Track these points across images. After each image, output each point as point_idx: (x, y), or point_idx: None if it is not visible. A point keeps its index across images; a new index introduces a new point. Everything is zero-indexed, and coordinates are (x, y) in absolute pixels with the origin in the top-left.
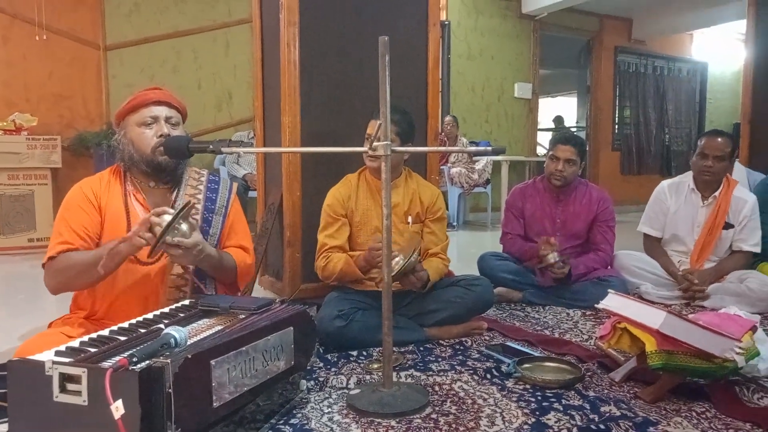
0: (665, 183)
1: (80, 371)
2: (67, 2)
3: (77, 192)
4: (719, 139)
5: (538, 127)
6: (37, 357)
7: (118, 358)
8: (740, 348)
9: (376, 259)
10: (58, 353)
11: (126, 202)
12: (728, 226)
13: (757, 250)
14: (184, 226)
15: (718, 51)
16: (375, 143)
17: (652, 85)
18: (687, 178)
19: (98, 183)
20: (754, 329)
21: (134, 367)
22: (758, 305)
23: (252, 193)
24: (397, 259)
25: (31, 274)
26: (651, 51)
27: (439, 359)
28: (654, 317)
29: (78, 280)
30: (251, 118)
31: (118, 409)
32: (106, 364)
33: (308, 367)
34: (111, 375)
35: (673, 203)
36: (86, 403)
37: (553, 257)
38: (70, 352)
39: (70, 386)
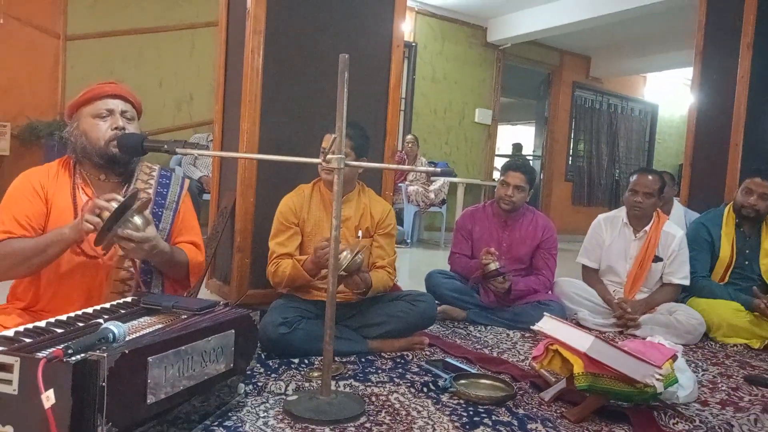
0: (601, 217)
1: (13, 360)
2: None
3: (23, 181)
4: (649, 177)
5: (497, 152)
6: None
7: (53, 349)
8: (660, 375)
9: (323, 258)
10: None
11: (74, 194)
12: (657, 259)
13: (686, 283)
14: (138, 220)
15: (668, 95)
16: (329, 156)
17: (605, 121)
18: (621, 213)
19: (46, 174)
20: (674, 358)
21: (69, 359)
22: (685, 337)
23: (206, 196)
24: (344, 253)
25: None
26: (606, 89)
27: (379, 371)
28: (582, 341)
29: (18, 268)
30: (211, 121)
31: (48, 398)
32: (40, 354)
33: (248, 372)
34: (44, 365)
35: (608, 236)
36: (16, 392)
37: (494, 265)
38: (4, 341)
39: (2, 375)
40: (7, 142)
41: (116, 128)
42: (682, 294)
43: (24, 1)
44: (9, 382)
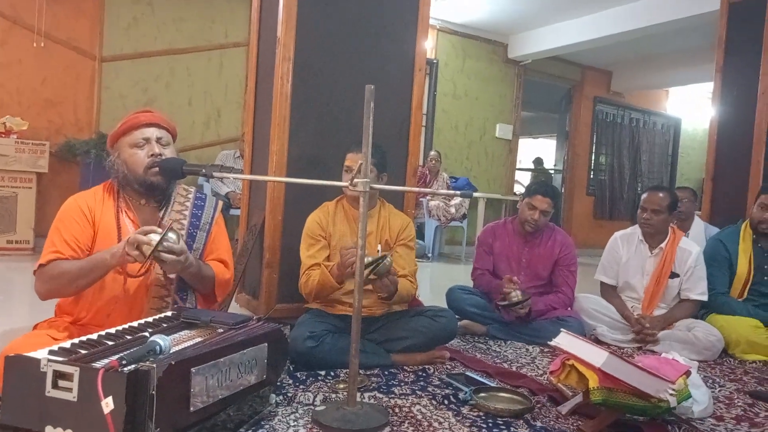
0: (618, 234)
1: (73, 369)
2: (68, 12)
3: (72, 205)
4: (659, 194)
5: (517, 166)
6: (32, 354)
7: (108, 360)
8: (673, 390)
9: (348, 258)
10: (51, 352)
11: (118, 217)
12: (674, 275)
13: (704, 298)
14: (172, 235)
15: (691, 108)
16: (356, 180)
17: (627, 135)
18: (637, 230)
19: (92, 198)
20: (687, 373)
21: (123, 369)
22: (703, 353)
23: (233, 211)
24: (368, 259)
25: (6, 275)
26: (628, 103)
27: (402, 383)
28: (597, 356)
29: (66, 288)
30: (237, 138)
31: (108, 405)
32: (97, 364)
33: (278, 383)
34: (103, 374)
35: (625, 253)
36: (75, 399)
37: (515, 295)
38: (63, 352)
39: (62, 383)
40: (46, 160)
41: (152, 155)
42: (702, 310)
43: (63, 24)
44: (69, 389)
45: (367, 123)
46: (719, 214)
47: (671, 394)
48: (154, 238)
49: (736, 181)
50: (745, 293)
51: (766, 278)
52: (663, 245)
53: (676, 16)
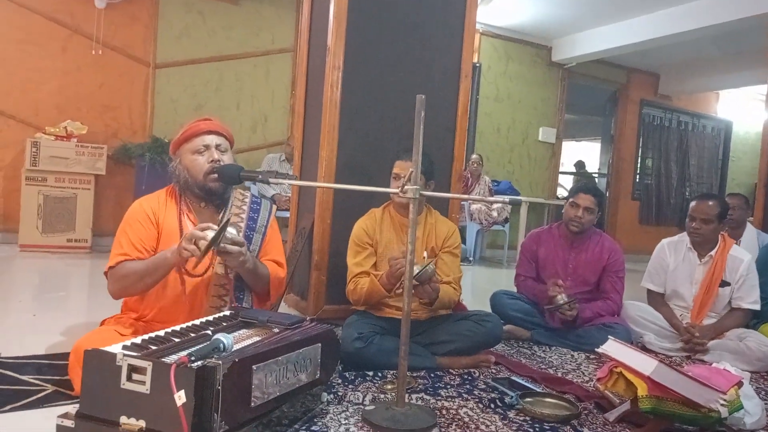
0: (665, 241)
1: (146, 364)
2: (124, 20)
3: (138, 208)
4: (709, 203)
5: (560, 170)
6: (108, 349)
7: (177, 356)
8: (724, 400)
9: (397, 268)
10: (125, 347)
11: (180, 219)
12: (725, 284)
13: (756, 307)
14: (232, 230)
15: (743, 111)
16: (406, 187)
17: (675, 138)
18: (685, 238)
19: (156, 201)
20: (739, 384)
21: (192, 365)
22: (756, 364)
23: (279, 213)
24: (415, 267)
25: (66, 272)
26: (676, 106)
27: (448, 386)
28: (647, 364)
29: (135, 286)
30: (283, 141)
31: (180, 398)
32: (168, 359)
33: (329, 382)
34: (175, 369)
35: (672, 261)
36: (148, 392)
37: (561, 298)
38: (134, 347)
39: (136, 376)
40: (103, 163)
41: (212, 161)
42: (754, 320)
43: (119, 31)
44: (143, 383)
45: (417, 132)
46: None
47: (722, 405)
48: (209, 234)
49: None
50: None
51: None
52: (713, 253)
53: (727, 19)
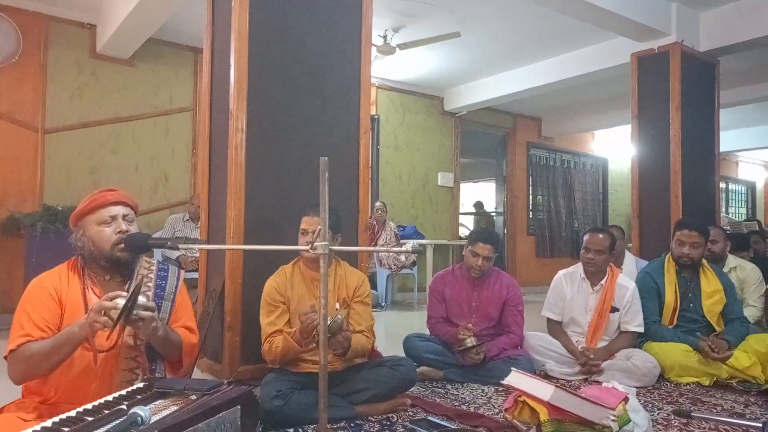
0: (561, 272)
1: None
2: (10, 82)
3: (38, 285)
4: (600, 236)
5: (460, 211)
6: None
7: None
8: (614, 416)
9: (308, 323)
10: None
11: (84, 294)
12: (614, 309)
13: (641, 330)
14: (142, 298)
15: (616, 148)
16: (315, 243)
17: (560, 176)
18: (579, 268)
19: (57, 277)
20: (626, 400)
21: None
22: (642, 379)
23: (187, 274)
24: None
25: None
26: (558, 147)
27: None
28: (545, 390)
29: (40, 367)
30: (185, 201)
31: None
32: None
33: None
34: None
35: (569, 290)
36: None
37: (470, 341)
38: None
39: None
40: None
41: (120, 231)
42: (639, 338)
43: (4, 97)
44: None
45: (323, 191)
46: (648, 248)
47: (613, 420)
48: (120, 302)
49: (660, 215)
50: (675, 320)
51: (691, 305)
52: (603, 282)
53: (595, 68)
